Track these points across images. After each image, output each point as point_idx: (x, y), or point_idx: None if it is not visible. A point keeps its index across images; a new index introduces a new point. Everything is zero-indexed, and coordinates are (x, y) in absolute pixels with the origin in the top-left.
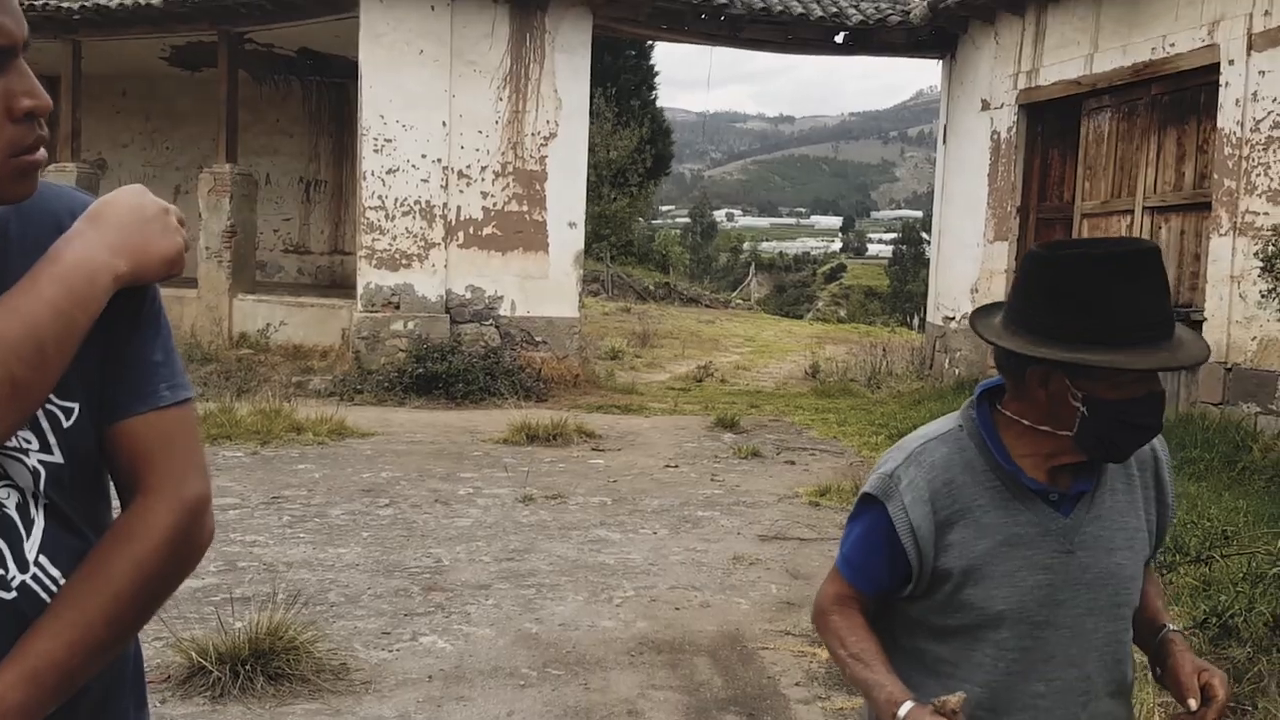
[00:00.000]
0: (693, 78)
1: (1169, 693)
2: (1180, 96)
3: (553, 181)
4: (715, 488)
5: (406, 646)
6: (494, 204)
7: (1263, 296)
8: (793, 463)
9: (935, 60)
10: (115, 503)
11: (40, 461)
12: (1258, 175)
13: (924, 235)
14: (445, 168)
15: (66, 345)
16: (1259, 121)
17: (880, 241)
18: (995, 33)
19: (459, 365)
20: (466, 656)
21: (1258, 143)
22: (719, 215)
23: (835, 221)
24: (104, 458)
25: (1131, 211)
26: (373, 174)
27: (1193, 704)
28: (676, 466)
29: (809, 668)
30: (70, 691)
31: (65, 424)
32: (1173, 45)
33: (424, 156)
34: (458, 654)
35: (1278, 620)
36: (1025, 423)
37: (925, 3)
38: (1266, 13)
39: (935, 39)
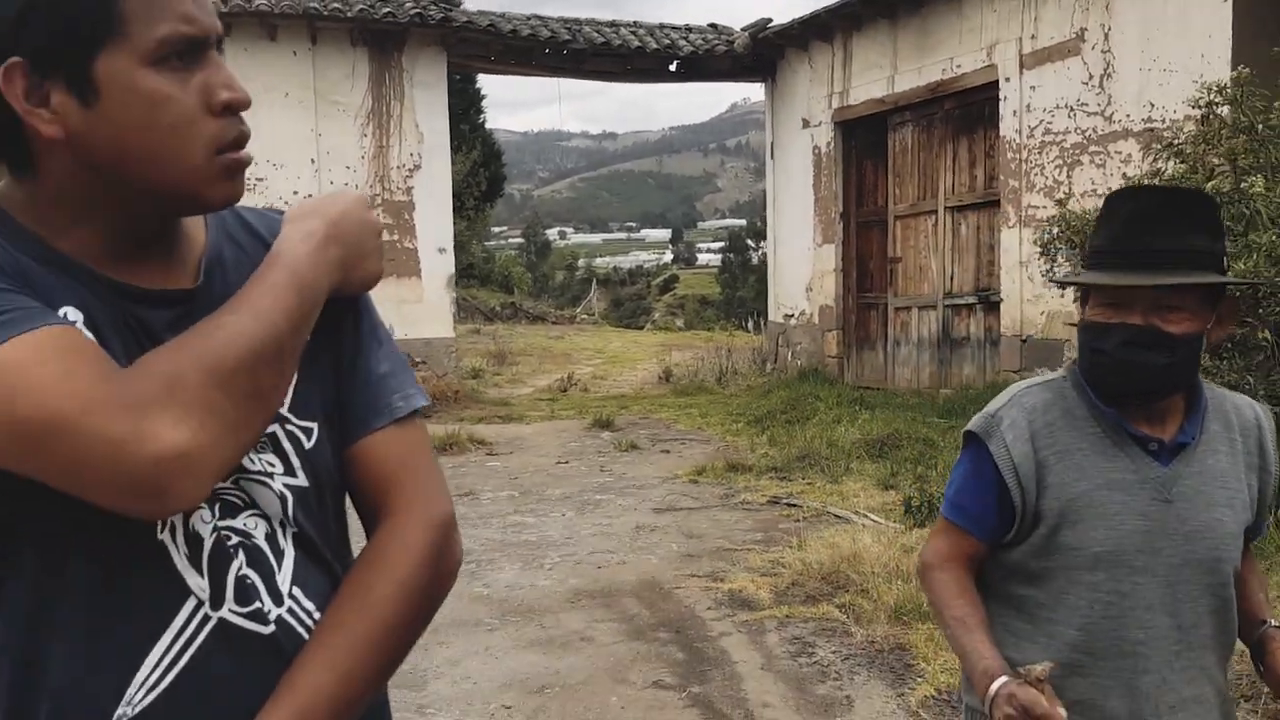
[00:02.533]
0: (513, 99)
1: (1271, 690)
2: (969, 110)
3: (420, 210)
4: (606, 476)
5: None
6: None
7: (1043, 276)
8: (667, 451)
9: (759, 83)
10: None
11: (286, 485)
12: (1035, 175)
13: (749, 243)
14: None
15: (299, 345)
16: (1033, 129)
17: (709, 251)
18: (809, 58)
19: None
20: (438, 615)
21: (1033, 147)
22: (551, 234)
23: (664, 234)
24: (345, 479)
25: (935, 211)
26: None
27: None
28: (567, 462)
29: (715, 597)
30: None
31: (307, 445)
32: (959, 66)
33: (295, 193)
34: None
35: None
36: None
37: (746, 33)
38: (1033, 36)
39: (757, 65)
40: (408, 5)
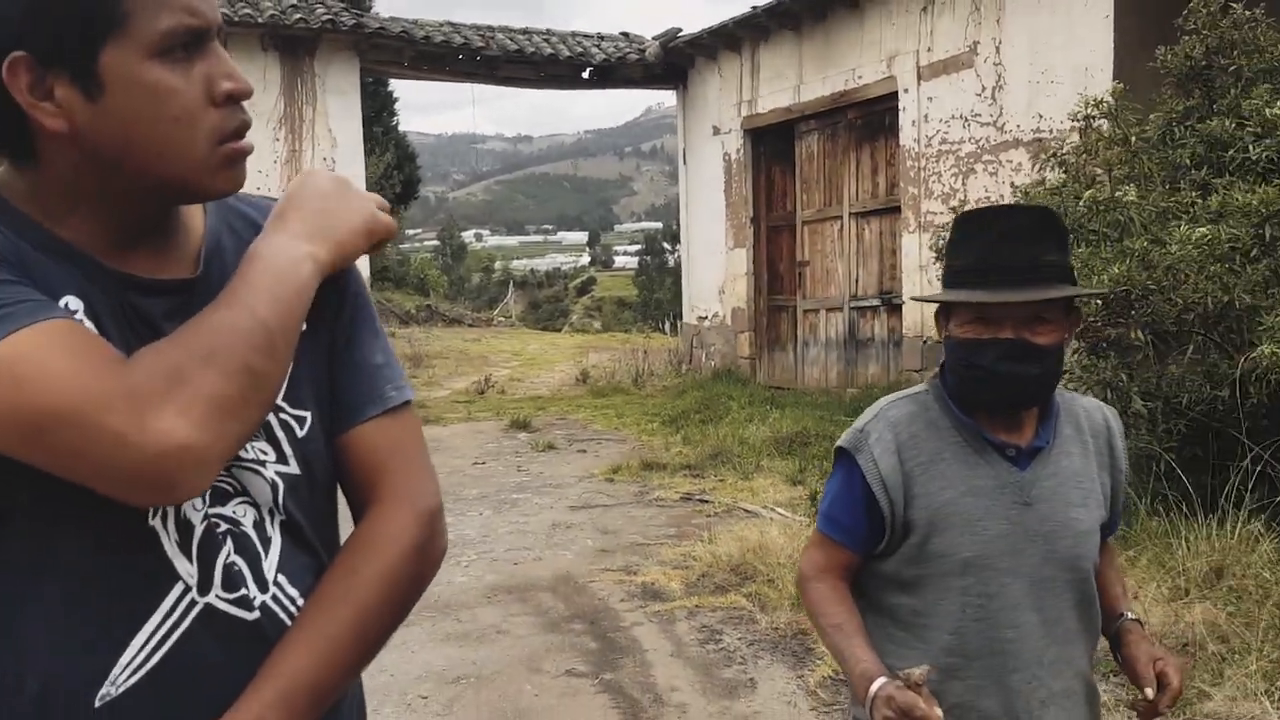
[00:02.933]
0: (427, 101)
1: (1129, 679)
2: (871, 119)
3: None
4: (523, 476)
5: None
6: None
7: (936, 280)
8: (584, 451)
9: (670, 90)
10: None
11: (278, 473)
12: (933, 182)
13: (666, 246)
14: None
15: (291, 335)
16: (930, 138)
17: (625, 253)
18: (719, 68)
19: None
20: None
21: (931, 155)
22: (467, 236)
23: (581, 236)
24: (336, 467)
25: (841, 217)
26: None
27: (1149, 693)
28: (484, 463)
29: (628, 590)
30: (320, 712)
31: (300, 433)
32: (861, 77)
33: None
34: None
35: None
36: None
37: (657, 43)
38: (929, 49)
39: (669, 73)
40: (319, 11)
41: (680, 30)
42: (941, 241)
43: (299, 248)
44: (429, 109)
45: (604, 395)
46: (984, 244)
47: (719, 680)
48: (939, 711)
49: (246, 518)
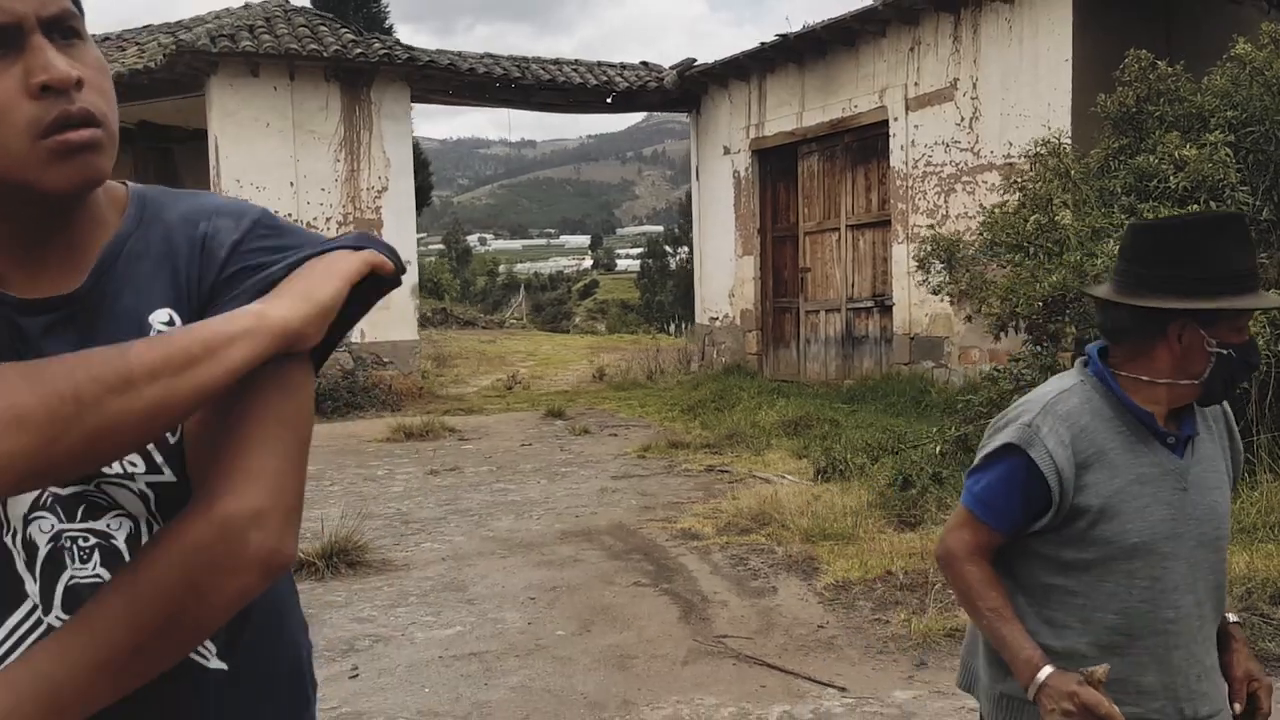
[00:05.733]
0: (433, 107)
1: (1228, 686)
2: (865, 143)
3: (388, 227)
4: (566, 454)
5: (416, 550)
6: None
7: (920, 284)
8: (615, 435)
9: (685, 113)
10: None
11: (149, 484)
12: (919, 199)
13: (668, 249)
14: (295, 220)
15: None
16: (917, 161)
17: (628, 256)
18: (729, 94)
19: (325, 386)
20: (458, 549)
21: (917, 176)
22: (472, 240)
23: (584, 240)
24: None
25: (839, 229)
26: None
27: (1237, 708)
28: (530, 445)
29: (670, 533)
30: (60, 712)
31: (171, 440)
32: (856, 106)
33: (276, 211)
34: (451, 549)
35: (935, 475)
36: (1145, 378)
37: (675, 71)
38: (916, 84)
39: (684, 98)
40: (376, 46)
41: (695, 61)
42: (921, 253)
43: (248, 309)
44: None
45: (624, 389)
46: (1226, 250)
47: (749, 588)
48: (1119, 711)
49: (120, 531)
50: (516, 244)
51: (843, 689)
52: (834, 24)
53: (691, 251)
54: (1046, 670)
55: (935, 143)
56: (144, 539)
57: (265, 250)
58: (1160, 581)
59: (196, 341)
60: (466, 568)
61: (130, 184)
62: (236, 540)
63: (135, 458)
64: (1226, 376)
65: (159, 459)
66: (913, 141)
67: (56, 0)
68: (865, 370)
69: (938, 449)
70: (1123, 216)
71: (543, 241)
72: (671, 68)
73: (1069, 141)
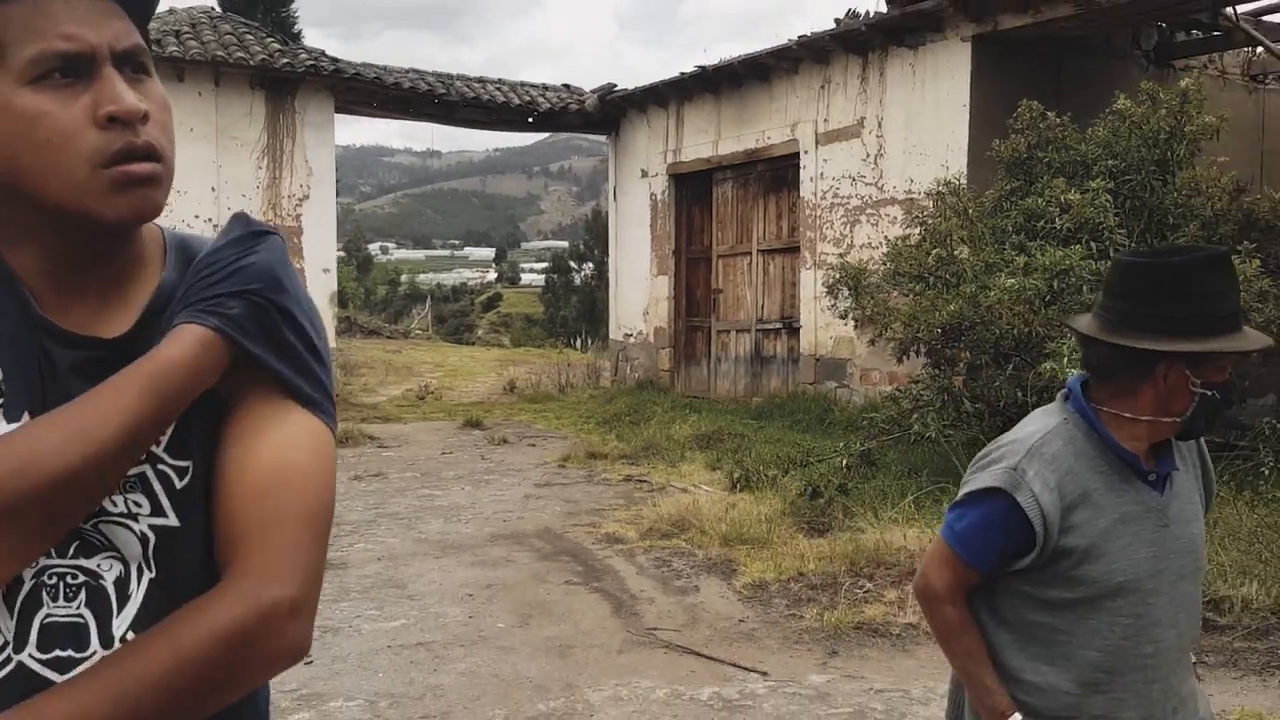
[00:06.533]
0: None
1: None
2: (777, 173)
3: (308, 235)
4: (488, 462)
5: (350, 550)
6: None
7: (829, 309)
8: (534, 445)
9: (603, 135)
10: None
11: (151, 527)
12: (827, 228)
13: (573, 264)
14: (215, 226)
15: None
16: (825, 193)
17: (532, 270)
18: (648, 120)
19: None
20: (392, 550)
21: (825, 206)
22: (374, 248)
23: (488, 252)
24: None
25: (750, 253)
26: None
27: None
28: (451, 453)
29: (596, 537)
30: None
31: (179, 484)
32: (769, 138)
33: (197, 217)
34: (385, 550)
35: (841, 487)
36: (1128, 415)
37: (596, 95)
38: (826, 120)
39: (604, 121)
40: (302, 56)
41: (615, 86)
42: (830, 280)
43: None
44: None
45: (537, 402)
46: (1215, 290)
47: (674, 587)
48: None
49: (109, 572)
50: (419, 254)
51: (764, 674)
52: (750, 59)
53: (606, 269)
54: (1016, 718)
55: (843, 176)
56: (133, 584)
57: (183, 301)
58: (1143, 618)
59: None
60: (403, 567)
61: (163, 227)
62: (277, 632)
63: (140, 498)
64: (1208, 415)
65: (165, 502)
66: (822, 174)
67: (130, 35)
68: (773, 389)
69: (844, 463)
70: (1013, 253)
71: (446, 253)
72: (593, 91)
73: (965, 181)
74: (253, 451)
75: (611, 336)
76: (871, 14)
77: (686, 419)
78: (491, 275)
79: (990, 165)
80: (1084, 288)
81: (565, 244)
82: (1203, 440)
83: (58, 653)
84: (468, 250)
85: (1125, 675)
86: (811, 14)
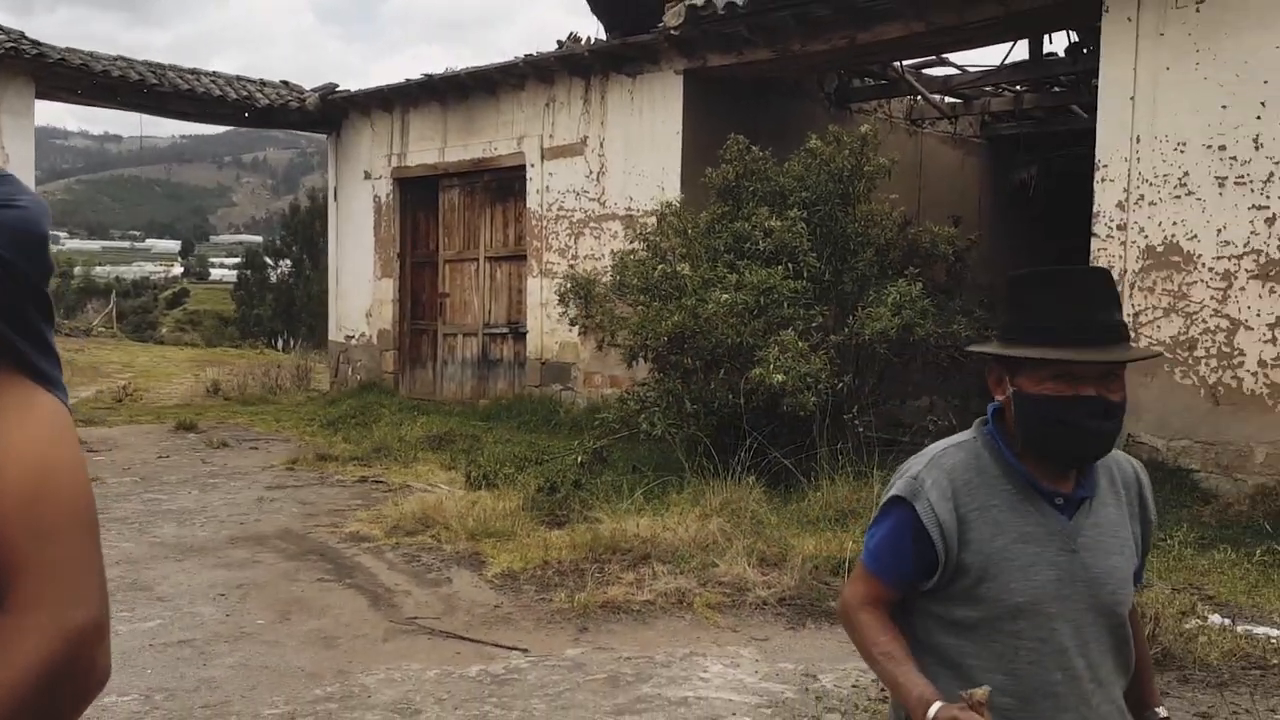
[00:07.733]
0: None
1: None
2: (504, 183)
3: None
4: (210, 466)
5: None
6: None
7: (561, 317)
8: (256, 448)
9: (323, 134)
10: None
11: None
12: (552, 239)
13: (268, 261)
14: None
15: None
16: (550, 205)
17: (223, 266)
18: (372, 122)
19: None
20: (128, 555)
21: (550, 218)
22: None
23: (174, 245)
24: None
25: (478, 259)
26: None
27: None
28: (169, 457)
29: (340, 537)
30: None
31: None
32: (497, 149)
33: None
34: (121, 554)
35: (576, 482)
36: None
37: (317, 94)
38: (551, 136)
39: (325, 120)
40: (1, 38)
41: (337, 86)
42: (561, 289)
43: None
44: None
45: (250, 404)
46: (1064, 304)
47: (426, 579)
48: None
49: None
50: (95, 244)
51: (525, 650)
52: (477, 72)
53: (305, 266)
54: (937, 705)
55: (567, 190)
56: None
57: None
58: (1048, 643)
59: None
60: (144, 570)
61: None
62: (88, 660)
63: None
64: (1028, 428)
65: None
66: (548, 187)
67: None
68: (499, 391)
69: (578, 459)
70: (726, 271)
71: (126, 244)
72: (313, 90)
73: (679, 203)
74: (2, 450)
75: (331, 337)
76: (593, 40)
77: (416, 420)
78: (178, 269)
79: (703, 189)
80: (785, 303)
81: (260, 239)
82: (1146, 480)
83: None
84: (150, 242)
85: (1037, 703)
86: (521, 24)
